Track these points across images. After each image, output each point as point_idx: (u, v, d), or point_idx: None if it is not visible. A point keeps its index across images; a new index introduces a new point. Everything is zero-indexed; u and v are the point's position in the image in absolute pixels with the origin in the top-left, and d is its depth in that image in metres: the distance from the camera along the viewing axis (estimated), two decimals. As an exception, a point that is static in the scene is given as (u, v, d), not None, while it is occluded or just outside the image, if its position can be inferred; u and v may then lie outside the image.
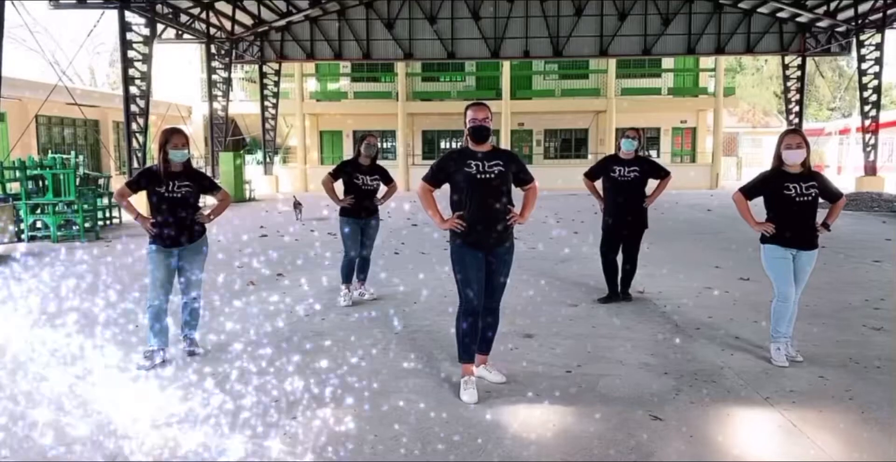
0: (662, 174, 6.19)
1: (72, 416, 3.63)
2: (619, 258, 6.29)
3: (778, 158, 4.43)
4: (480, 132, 3.92)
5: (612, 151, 6.41)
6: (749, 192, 4.54)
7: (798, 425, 3.46)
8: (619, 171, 6.06)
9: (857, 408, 3.69)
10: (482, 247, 3.94)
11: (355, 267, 6.41)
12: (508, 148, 25.32)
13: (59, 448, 3.26)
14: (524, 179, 4.07)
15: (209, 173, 20.38)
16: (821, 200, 4.48)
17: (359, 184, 6.20)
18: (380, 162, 6.50)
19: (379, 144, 6.35)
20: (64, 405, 3.78)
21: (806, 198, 4.35)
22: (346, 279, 6.39)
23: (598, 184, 6.30)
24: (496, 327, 4.19)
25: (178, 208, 4.55)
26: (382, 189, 6.39)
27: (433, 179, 4.02)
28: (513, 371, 4.33)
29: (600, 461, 3.11)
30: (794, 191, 4.34)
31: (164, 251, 4.58)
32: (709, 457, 3.15)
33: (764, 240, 4.54)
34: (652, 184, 6.17)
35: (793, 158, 4.36)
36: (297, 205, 14.70)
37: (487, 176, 3.87)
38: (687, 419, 3.55)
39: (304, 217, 14.43)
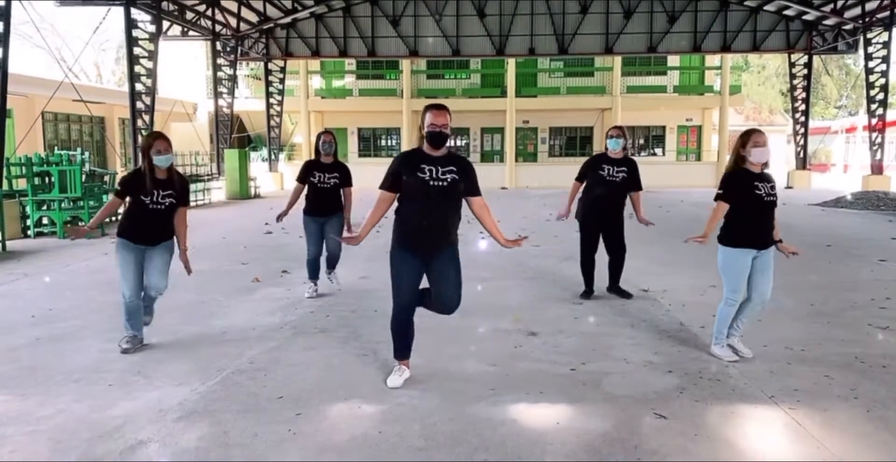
0: (637, 188, 6.17)
1: (72, 411, 3.65)
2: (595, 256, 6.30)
3: (741, 157, 4.34)
4: (439, 138, 3.81)
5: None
6: (726, 197, 4.40)
7: (803, 424, 3.46)
8: (608, 170, 6.05)
9: (862, 407, 3.68)
10: (419, 252, 3.88)
11: (314, 265, 6.44)
12: (512, 147, 25.62)
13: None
14: (471, 191, 3.91)
15: (214, 170, 20.42)
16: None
17: (315, 182, 6.20)
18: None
19: (335, 141, 6.34)
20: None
21: (772, 197, 4.34)
22: (311, 276, 6.47)
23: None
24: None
25: (159, 218, 4.60)
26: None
27: (390, 187, 3.85)
28: (517, 369, 4.33)
29: (604, 460, 3.11)
30: (762, 190, 4.31)
31: (134, 248, 4.62)
32: (713, 455, 3.15)
33: (724, 241, 4.43)
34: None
35: (762, 157, 4.31)
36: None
37: (440, 183, 3.77)
38: (691, 417, 3.55)
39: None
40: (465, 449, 3.20)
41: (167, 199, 4.58)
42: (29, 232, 11.14)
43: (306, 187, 6.30)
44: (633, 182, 6.13)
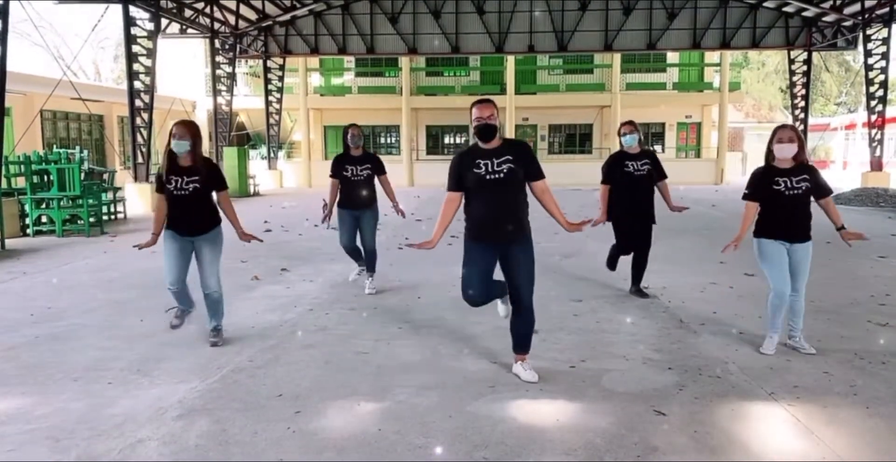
0: (663, 176, 6.11)
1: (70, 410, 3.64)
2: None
3: (770, 153, 4.47)
4: (486, 131, 3.88)
5: (617, 146, 6.37)
6: (751, 195, 4.52)
7: (803, 421, 3.46)
8: (633, 165, 5.96)
9: (862, 403, 3.68)
10: (491, 242, 3.96)
11: (353, 253, 6.52)
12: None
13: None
14: (532, 175, 3.97)
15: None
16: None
17: (348, 175, 6.23)
18: (383, 157, 6.52)
19: (362, 133, 6.36)
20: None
21: (796, 191, 4.36)
22: (355, 259, 6.60)
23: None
24: (528, 326, 4.12)
25: (188, 204, 4.61)
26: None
27: (454, 187, 3.98)
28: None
29: (604, 457, 3.11)
30: (783, 185, 4.37)
31: (179, 238, 4.67)
32: (713, 452, 3.14)
33: (757, 233, 4.55)
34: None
35: (783, 153, 4.39)
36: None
37: (497, 176, 3.85)
38: (691, 414, 3.55)
39: (305, 212, 14.35)
40: (465, 446, 3.20)
41: (191, 185, 4.57)
42: (28, 230, 11.13)
43: (341, 182, 6.32)
44: (658, 172, 6.07)
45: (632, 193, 6.02)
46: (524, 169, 3.92)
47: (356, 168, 6.24)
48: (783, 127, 4.47)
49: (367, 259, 6.54)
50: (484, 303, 4.19)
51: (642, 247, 6.21)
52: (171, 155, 4.58)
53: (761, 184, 4.46)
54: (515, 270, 4.00)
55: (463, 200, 4.04)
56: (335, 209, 6.42)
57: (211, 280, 4.74)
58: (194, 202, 4.62)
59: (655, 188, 6.12)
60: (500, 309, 4.50)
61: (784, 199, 4.38)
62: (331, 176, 6.34)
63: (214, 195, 4.83)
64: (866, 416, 3.51)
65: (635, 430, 3.36)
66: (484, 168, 3.86)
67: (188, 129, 4.54)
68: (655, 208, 6.12)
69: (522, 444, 3.21)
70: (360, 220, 6.37)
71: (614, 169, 6.06)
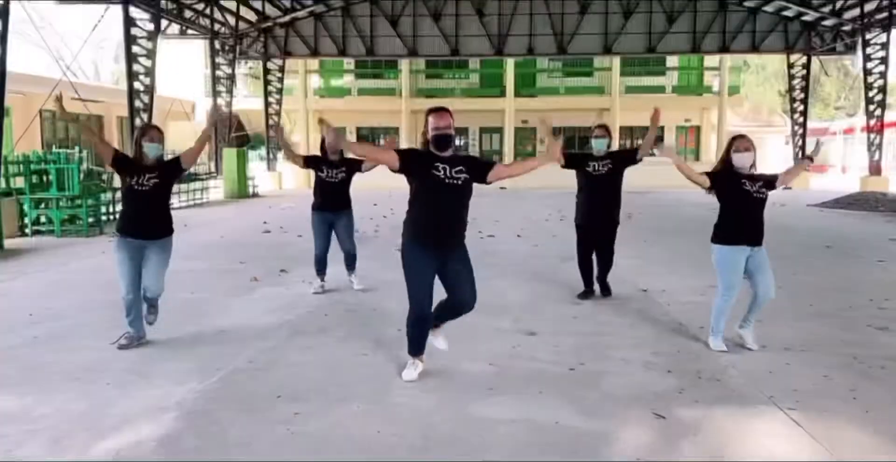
0: (632, 161, 5.94)
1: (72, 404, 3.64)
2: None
3: (726, 162, 4.61)
4: (444, 141, 3.85)
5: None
6: (712, 181, 4.63)
7: (802, 425, 3.45)
8: (594, 166, 5.94)
9: (861, 407, 3.68)
10: (433, 249, 3.90)
11: (321, 263, 6.50)
12: (511, 147, 25.60)
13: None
14: (486, 170, 3.91)
15: (212, 169, 20.38)
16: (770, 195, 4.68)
17: (323, 176, 6.24)
18: None
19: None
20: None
21: (760, 194, 4.55)
22: (318, 272, 6.55)
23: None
24: (458, 316, 4.17)
25: (146, 201, 4.66)
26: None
27: (402, 160, 3.82)
28: (516, 368, 4.32)
29: (603, 460, 3.11)
30: (750, 187, 4.53)
31: (130, 245, 4.67)
32: (712, 456, 3.14)
33: (715, 239, 4.67)
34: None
35: (742, 161, 4.55)
36: None
37: (455, 182, 3.84)
38: (690, 417, 3.55)
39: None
40: (464, 449, 3.19)
41: (152, 181, 4.64)
42: (27, 230, 11.11)
43: (314, 182, 6.34)
44: (627, 157, 5.96)
45: (591, 195, 6.01)
46: (477, 174, 3.90)
47: (332, 171, 6.23)
48: (740, 137, 4.64)
49: (346, 260, 6.58)
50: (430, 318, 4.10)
51: (603, 250, 6.16)
52: (137, 153, 4.68)
53: (728, 181, 4.58)
54: (459, 277, 3.96)
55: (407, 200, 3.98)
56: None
57: (156, 285, 4.74)
58: (153, 200, 4.69)
59: (620, 191, 6.05)
60: (440, 342, 4.31)
61: (751, 201, 4.53)
62: (304, 157, 6.31)
63: (183, 159, 4.82)
64: (865, 421, 3.51)
65: (634, 434, 3.36)
66: (443, 172, 3.83)
67: (161, 134, 4.75)
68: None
69: (521, 447, 3.21)
70: (335, 225, 6.37)
71: (577, 165, 5.93)
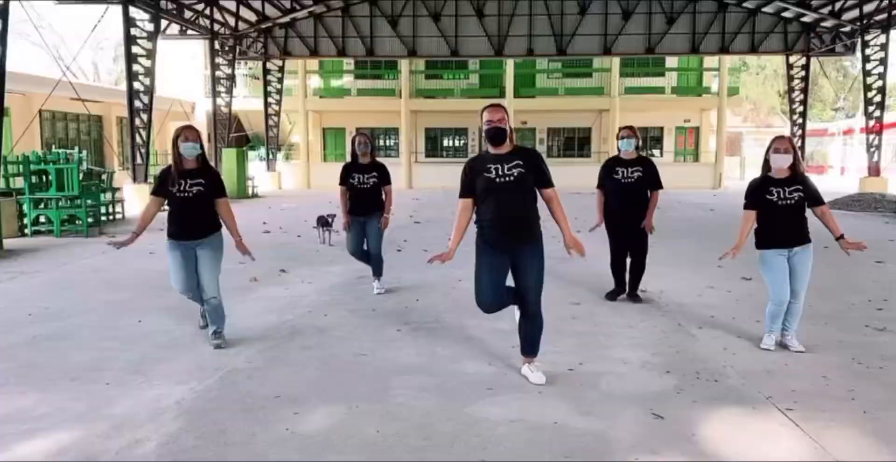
0: (656, 187, 6.08)
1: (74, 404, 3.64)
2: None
3: (767, 162, 4.64)
4: (496, 134, 3.89)
5: (615, 151, 6.38)
6: (748, 205, 4.70)
7: (800, 425, 3.46)
8: (622, 172, 5.99)
9: (859, 408, 3.69)
10: (500, 248, 3.95)
11: (361, 257, 6.60)
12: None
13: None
14: (541, 182, 3.98)
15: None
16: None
17: (354, 183, 6.34)
18: (382, 160, 6.57)
19: (369, 140, 6.43)
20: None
21: (788, 201, 4.53)
22: (365, 263, 6.67)
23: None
24: (536, 329, 4.16)
25: (190, 207, 4.65)
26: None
27: (465, 193, 3.98)
28: (515, 368, 4.33)
29: (602, 460, 3.12)
30: (776, 195, 4.54)
31: (180, 246, 4.71)
32: (710, 456, 3.15)
33: (758, 245, 4.71)
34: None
35: (779, 163, 4.56)
36: (324, 223, 10.20)
37: (507, 179, 3.86)
38: (689, 418, 3.56)
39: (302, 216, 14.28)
40: (463, 448, 3.20)
41: (195, 188, 4.63)
42: (26, 230, 11.11)
43: (347, 191, 6.43)
44: (651, 181, 6.04)
45: (620, 201, 6.05)
46: (534, 175, 3.92)
47: (363, 176, 6.34)
48: (780, 137, 4.67)
49: (373, 264, 6.60)
50: (497, 309, 4.20)
51: (635, 253, 6.19)
52: (177, 158, 4.63)
53: (756, 195, 4.64)
54: (524, 275, 4.01)
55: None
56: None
57: (210, 286, 4.75)
58: (197, 205, 4.67)
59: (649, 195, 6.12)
60: (517, 315, 4.45)
61: (776, 209, 4.55)
62: (340, 184, 6.46)
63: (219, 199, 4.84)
64: (864, 421, 3.52)
65: (633, 434, 3.36)
66: (494, 172, 3.86)
67: (197, 133, 4.70)
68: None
69: (520, 447, 3.22)
70: (366, 226, 6.42)
71: (605, 175, 6.11)
